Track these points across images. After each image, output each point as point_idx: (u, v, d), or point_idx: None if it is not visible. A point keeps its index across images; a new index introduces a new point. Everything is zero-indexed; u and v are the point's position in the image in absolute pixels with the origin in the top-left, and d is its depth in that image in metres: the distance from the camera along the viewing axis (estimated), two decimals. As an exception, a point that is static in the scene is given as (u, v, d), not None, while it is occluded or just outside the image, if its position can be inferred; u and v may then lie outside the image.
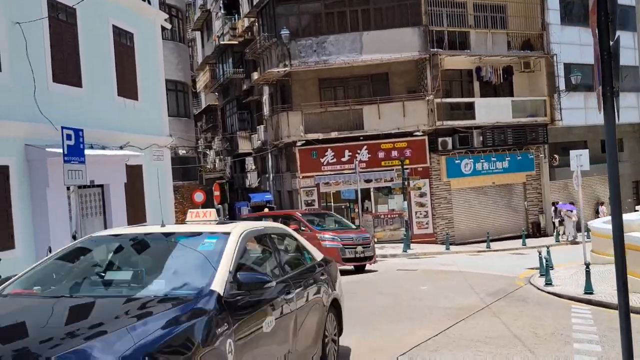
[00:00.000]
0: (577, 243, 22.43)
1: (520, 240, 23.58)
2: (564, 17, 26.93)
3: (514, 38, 26.15)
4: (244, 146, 31.95)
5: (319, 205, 24.83)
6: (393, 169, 23.56)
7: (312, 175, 24.53)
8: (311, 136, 24.17)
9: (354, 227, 18.47)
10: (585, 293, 11.85)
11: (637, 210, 20.31)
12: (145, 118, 15.59)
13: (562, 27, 26.69)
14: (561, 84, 26.39)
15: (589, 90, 27.58)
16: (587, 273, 11.92)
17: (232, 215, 29.52)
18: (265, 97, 29.21)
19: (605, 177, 28.35)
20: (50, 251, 8.60)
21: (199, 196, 23.98)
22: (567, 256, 18.65)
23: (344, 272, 12.85)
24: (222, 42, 32.65)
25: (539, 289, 13.25)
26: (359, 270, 16.11)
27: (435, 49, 23.89)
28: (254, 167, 31.55)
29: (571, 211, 24.03)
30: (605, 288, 12.44)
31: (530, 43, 26.41)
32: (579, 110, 27.13)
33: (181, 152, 23.88)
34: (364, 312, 9.76)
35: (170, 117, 23.95)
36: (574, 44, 26.96)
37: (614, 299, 11.41)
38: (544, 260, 14.63)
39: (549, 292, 12.68)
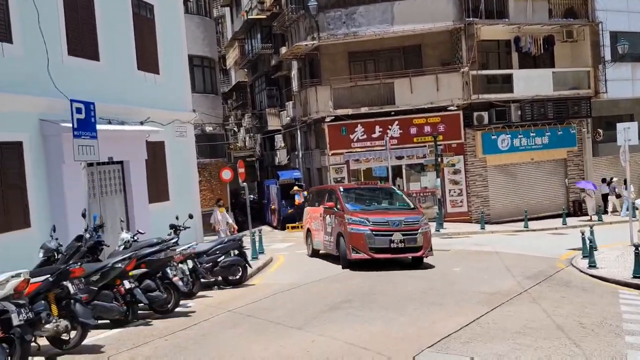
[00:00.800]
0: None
1: (561, 219, 22.44)
2: (611, -19, 25.15)
3: (556, 5, 24.56)
4: (273, 123, 31.38)
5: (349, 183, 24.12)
6: (425, 145, 22.61)
7: (342, 152, 23.79)
8: (340, 112, 23.38)
9: (411, 206, 14.06)
10: (634, 277, 10.92)
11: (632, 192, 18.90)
12: (167, 93, 15.11)
13: (609, -7, 24.94)
14: (606, 54, 24.75)
15: (637, 60, 25.87)
16: (637, 255, 10.96)
17: (261, 193, 29.09)
18: (294, 73, 28.48)
19: (652, 152, 26.76)
20: (54, 230, 8.21)
21: (226, 174, 23.49)
22: (612, 236, 17.53)
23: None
24: (250, 17, 31.91)
25: (582, 271, 12.38)
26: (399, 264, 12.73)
27: (471, 18, 22.62)
28: (283, 144, 30.99)
29: (593, 190, 22.67)
30: (657, 272, 11.46)
31: (573, 11, 24.78)
32: (626, 82, 25.47)
33: (208, 129, 23.47)
34: (393, 296, 9.13)
35: (196, 94, 23.61)
36: (621, 11, 25.21)
37: (666, 284, 10.46)
38: (587, 241, 13.67)
39: (593, 276, 11.80)
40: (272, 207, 26.25)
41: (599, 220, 21.66)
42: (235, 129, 41.84)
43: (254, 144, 38.68)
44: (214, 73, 24.78)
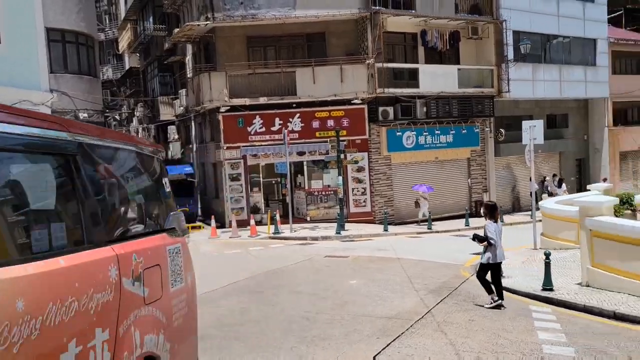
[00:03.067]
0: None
1: (464, 221, 21.81)
2: (514, -19, 25.01)
3: (462, 1, 24.00)
4: (166, 113, 28.60)
5: (246, 179, 22.13)
6: (328, 141, 21.06)
7: (238, 145, 21.72)
8: (237, 101, 21.29)
9: None
10: (544, 289, 9.86)
11: (589, 190, 18.80)
12: (10, 67, 12.29)
13: (512, -9, 24.76)
14: (510, 53, 24.56)
15: (537, 61, 25.98)
16: (547, 265, 9.91)
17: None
18: (189, 58, 25.96)
19: (551, 153, 27.08)
20: None
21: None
22: (516, 238, 16.88)
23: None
24: (141, -6, 28.89)
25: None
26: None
27: (378, 7, 21.38)
28: (176, 136, 28.35)
29: (425, 193, 21.74)
30: (565, 282, 10.52)
31: (478, 7, 24.36)
32: (527, 83, 25.48)
33: (82, 115, 20.43)
34: (268, 325, 7.28)
35: (68, 74, 20.54)
36: (524, 11, 25.14)
37: (577, 296, 9.44)
38: (492, 247, 12.63)
39: (500, 287, 10.64)
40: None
41: (428, 229, 20.68)
42: (116, 118, 38.28)
43: (147, 136, 35.49)
44: (92, 52, 21.72)
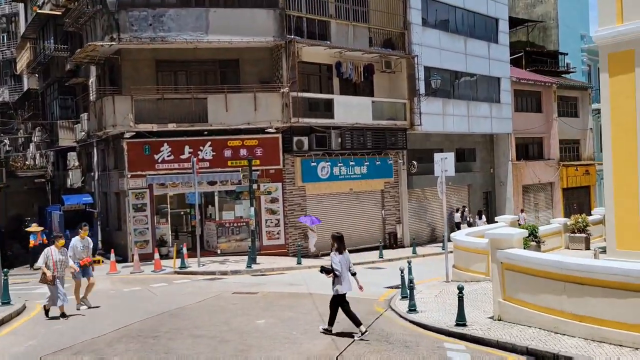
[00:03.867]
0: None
1: (377, 252, 21.63)
2: (425, 19, 25.85)
3: (376, 35, 24.40)
4: (65, 138, 26.59)
5: (152, 210, 20.76)
6: (240, 170, 20.23)
7: (144, 174, 20.40)
8: (143, 127, 20.06)
9: None
10: (458, 324, 9.57)
11: (497, 222, 19.24)
12: None
13: (423, 29, 25.54)
14: (421, 87, 25.17)
15: (447, 96, 26.83)
16: (460, 300, 9.65)
17: (43, 221, 24.03)
18: (92, 80, 24.37)
19: (459, 186, 27.79)
20: None
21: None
22: (427, 270, 16.83)
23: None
24: (41, 11, 26.99)
25: (402, 316, 10.87)
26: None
27: (293, 36, 21.15)
28: (77, 163, 26.34)
29: (312, 225, 21.37)
30: (478, 315, 10.32)
31: (392, 42, 24.86)
32: (437, 117, 26.18)
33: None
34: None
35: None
36: (434, 48, 25.98)
37: (490, 332, 9.20)
38: (406, 280, 12.34)
39: (414, 322, 10.30)
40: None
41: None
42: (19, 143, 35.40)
43: (45, 162, 32.91)
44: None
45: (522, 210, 29.39)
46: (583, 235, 19.10)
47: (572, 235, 19.40)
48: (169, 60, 21.35)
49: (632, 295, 7.53)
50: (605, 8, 12.96)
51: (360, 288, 9.40)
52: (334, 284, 9.01)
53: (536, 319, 8.91)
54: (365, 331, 8.67)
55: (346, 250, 9.38)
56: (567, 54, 37.35)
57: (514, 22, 34.85)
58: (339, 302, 8.98)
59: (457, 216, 27.09)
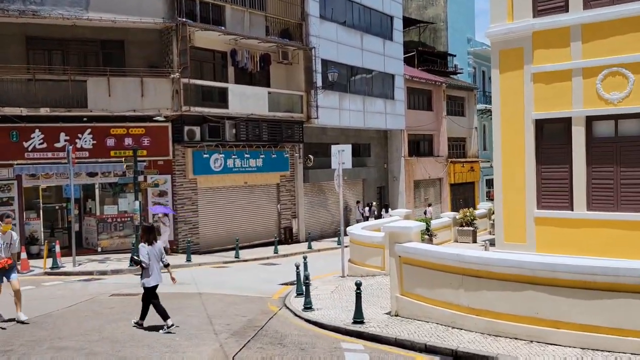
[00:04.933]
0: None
1: (272, 248, 20.99)
2: (323, 11, 25.53)
3: (273, 24, 23.67)
4: None
5: (21, 204, 18.51)
6: (124, 160, 18.59)
7: (11, 163, 18.14)
8: (10, 110, 17.79)
9: None
10: (355, 322, 9.16)
11: (391, 215, 19.33)
12: None
13: (321, 21, 25.22)
14: (319, 80, 24.84)
15: (343, 90, 26.76)
16: (358, 296, 9.25)
17: None
18: (-51, 56, 21.28)
19: (355, 180, 27.85)
20: None
21: None
22: (321, 265, 16.48)
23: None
24: None
25: (297, 315, 10.30)
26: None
27: (184, 19, 19.81)
28: None
29: (166, 215, 19.74)
30: (375, 312, 10.00)
31: (289, 32, 24.27)
32: (334, 111, 26.02)
33: None
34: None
35: None
36: (331, 41, 25.78)
37: (388, 329, 8.86)
38: (302, 276, 11.81)
39: (310, 321, 9.76)
40: None
41: (235, 257, 19.23)
42: None
43: None
44: None
45: (429, 205, 30.21)
46: (470, 228, 19.75)
47: (460, 228, 19.99)
48: (42, 37, 19.19)
49: (527, 287, 7.49)
50: (497, 5, 13.24)
51: (173, 280, 9.27)
52: (141, 276, 8.92)
53: (434, 314, 8.71)
54: (172, 325, 8.62)
55: (158, 242, 9.15)
56: (455, 56, 39.03)
57: (407, 22, 35.73)
58: (149, 295, 8.88)
59: (367, 210, 27.33)
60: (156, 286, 8.91)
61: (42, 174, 18.64)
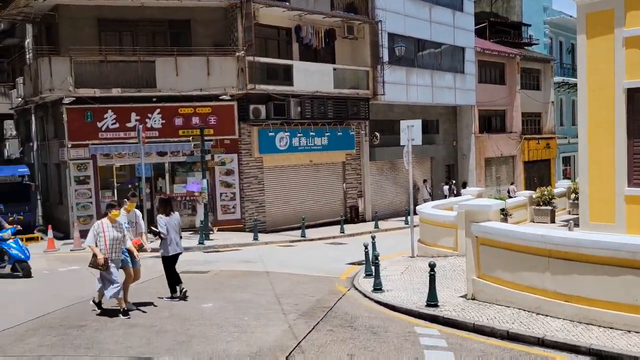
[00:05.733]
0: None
1: (339, 227, 20.69)
2: (389, -18, 24.59)
3: (338, -2, 23.09)
4: (1, 105, 24.37)
5: (96, 183, 19.12)
6: (191, 140, 18.76)
7: (86, 143, 18.69)
8: (84, 92, 18.28)
9: None
10: (428, 305, 8.67)
11: (462, 194, 18.52)
12: None
13: (387, -7, 24.32)
14: (385, 55, 24.06)
15: (411, 65, 25.83)
16: (432, 278, 8.74)
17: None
18: (29, 41, 22.22)
19: (423, 158, 26.99)
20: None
21: None
22: (389, 244, 15.98)
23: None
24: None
25: (366, 296, 9.92)
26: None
27: (249, -5, 19.61)
28: (14, 132, 24.24)
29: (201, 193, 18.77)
30: (449, 295, 9.47)
31: (354, 6, 23.57)
32: (401, 86, 25.19)
33: None
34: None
35: None
36: (398, 14, 24.83)
37: (465, 313, 8.32)
38: (370, 256, 11.41)
39: (380, 303, 9.36)
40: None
41: (302, 236, 18.87)
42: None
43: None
44: None
45: (511, 183, 29.08)
46: (549, 207, 18.62)
47: (537, 208, 18.90)
48: (113, 19, 19.53)
49: (625, 272, 6.73)
50: (584, -36, 12.06)
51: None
52: (160, 247, 9.19)
53: (516, 298, 8.08)
54: (175, 297, 9.02)
55: (175, 213, 9.40)
56: (530, 26, 36.87)
57: (478, -8, 34.00)
58: (169, 264, 9.18)
59: (446, 189, 26.69)
60: (175, 255, 9.14)
61: (115, 153, 19.11)
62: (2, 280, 11.13)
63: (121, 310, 7.94)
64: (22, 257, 11.51)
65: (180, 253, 9.25)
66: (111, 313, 7.96)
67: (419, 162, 27.53)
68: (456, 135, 30.41)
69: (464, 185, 26.99)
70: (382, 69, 23.75)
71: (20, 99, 22.40)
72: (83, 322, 7.44)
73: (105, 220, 8.13)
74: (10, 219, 18.59)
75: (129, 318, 7.77)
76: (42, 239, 18.73)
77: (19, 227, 12.52)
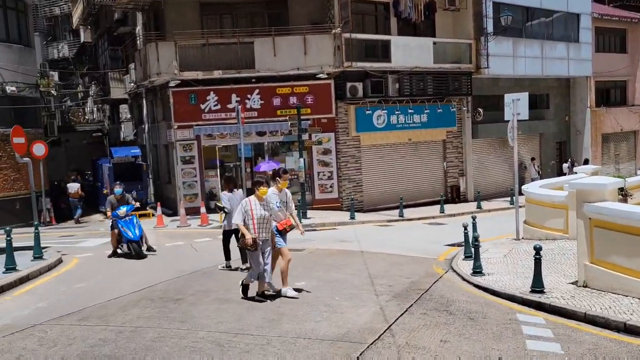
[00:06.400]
0: None
1: (438, 207, 20.02)
2: (494, -52, 23.06)
3: (438, -33, 22.00)
4: (116, 90, 26.13)
5: (200, 162, 19.94)
6: (288, 119, 18.92)
7: (191, 124, 19.50)
8: (188, 74, 19.01)
9: None
10: (533, 291, 8.03)
11: (575, 172, 17.10)
12: None
13: (492, -42, 22.83)
14: (489, 26, 22.67)
15: (518, 35, 24.17)
16: (537, 263, 8.08)
17: (96, 174, 23.87)
18: (139, 28, 23.50)
19: (530, 135, 25.33)
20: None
21: (39, 149, 18.38)
22: (492, 226, 15.14)
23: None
24: (87, -42, 26.20)
25: (465, 279, 9.42)
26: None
27: (345, -29, 19.24)
28: (129, 115, 25.91)
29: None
30: (557, 280, 8.73)
31: (456, -25, 22.38)
32: (507, 59, 23.66)
33: (10, 88, 17.97)
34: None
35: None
36: (504, -20, 23.24)
37: (575, 301, 7.59)
38: (470, 237, 10.82)
39: (479, 287, 8.84)
40: (105, 191, 21.31)
41: (400, 216, 18.41)
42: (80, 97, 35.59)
43: (102, 116, 32.94)
44: (23, 18, 19.17)
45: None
46: (678, 188, 16.65)
47: (664, 188, 16.97)
48: (214, 2, 20.06)
49: None
50: None
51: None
52: (224, 220, 10.01)
53: (635, 287, 7.24)
54: (228, 266, 9.87)
55: (238, 190, 10.06)
56: (658, -14, 33.06)
57: (596, -49, 30.96)
58: (227, 237, 9.91)
59: (566, 166, 25.23)
60: (235, 230, 9.16)
61: (217, 134, 19.76)
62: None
63: (269, 292, 7.59)
64: (131, 237, 11.35)
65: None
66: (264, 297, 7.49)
67: (526, 139, 25.85)
68: (569, 109, 28.18)
69: (586, 163, 24.97)
70: (487, 41, 22.42)
71: (132, 84, 23.84)
72: (180, 296, 7.70)
73: (252, 197, 7.57)
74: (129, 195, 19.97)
75: (276, 304, 7.17)
76: (153, 215, 19.93)
77: (137, 204, 12.35)
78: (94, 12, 27.68)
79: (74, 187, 20.54)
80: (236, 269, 9.70)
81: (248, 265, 8.62)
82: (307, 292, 8.03)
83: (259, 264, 7.48)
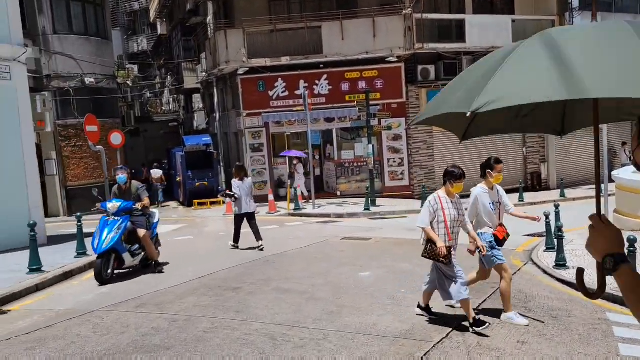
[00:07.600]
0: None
1: (517, 195, 18.83)
2: None
3: (518, -61, 20.62)
4: (189, 80, 26.63)
5: (269, 150, 19.88)
6: (356, 104, 18.40)
7: (259, 112, 19.45)
8: (256, 62, 18.94)
9: None
10: (626, 288, 7.08)
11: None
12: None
13: None
14: (575, 0, 21.01)
15: (607, 10, 22.25)
16: (630, 255, 7.13)
17: (170, 163, 24.51)
18: (210, 18, 23.70)
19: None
20: None
21: (116, 138, 18.97)
22: (577, 215, 13.92)
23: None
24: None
25: (546, 272, 8.61)
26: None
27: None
28: (201, 105, 26.35)
29: (300, 162, 18.63)
30: (654, 277, 7.71)
31: (538, -54, 20.88)
32: (595, 35, 21.82)
33: (89, 80, 18.63)
34: (194, 354, 4.96)
35: (74, 36, 18.80)
36: (592, -50, 21.38)
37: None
38: (552, 227, 9.91)
39: (563, 281, 8.03)
40: (178, 179, 21.81)
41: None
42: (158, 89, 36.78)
43: (178, 106, 33.86)
44: (101, 12, 19.81)
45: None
46: None
47: None
48: (281, -12, 19.85)
49: None
50: None
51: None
52: (234, 206, 10.77)
53: None
54: (235, 245, 10.81)
55: (247, 178, 10.79)
56: None
57: None
58: (238, 221, 10.73)
59: (625, 153, 23.18)
60: (244, 214, 10.58)
61: (285, 121, 19.60)
62: (183, 239, 11.98)
63: (470, 321, 5.51)
64: (96, 246, 7.92)
65: (248, 213, 10.60)
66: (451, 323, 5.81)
67: (617, 123, 23.80)
68: (666, 89, 25.73)
69: None
70: (571, 16, 20.82)
71: (204, 73, 24.16)
72: (239, 285, 7.48)
73: (442, 193, 5.89)
74: (198, 184, 20.31)
75: (485, 335, 5.31)
76: (224, 202, 20.14)
77: (145, 202, 8.59)
78: (168, 4, 28.32)
79: (157, 173, 21.35)
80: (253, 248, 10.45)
81: (262, 243, 10.42)
82: (371, 282, 7.58)
83: (453, 278, 5.73)
